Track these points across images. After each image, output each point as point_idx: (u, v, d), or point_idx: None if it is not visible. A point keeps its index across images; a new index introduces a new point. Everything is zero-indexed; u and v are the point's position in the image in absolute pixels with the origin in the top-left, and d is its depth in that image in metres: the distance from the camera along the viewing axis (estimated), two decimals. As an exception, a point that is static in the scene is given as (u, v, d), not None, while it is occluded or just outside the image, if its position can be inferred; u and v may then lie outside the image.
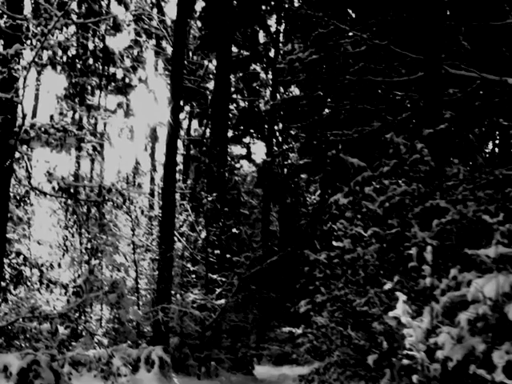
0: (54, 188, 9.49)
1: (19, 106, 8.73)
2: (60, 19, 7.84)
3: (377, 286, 7.93)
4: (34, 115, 29.14)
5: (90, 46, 31.34)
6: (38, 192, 9.64)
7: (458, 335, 5.22)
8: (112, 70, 32.91)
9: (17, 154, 9.95)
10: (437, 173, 8.49)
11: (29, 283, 11.56)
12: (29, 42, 8.72)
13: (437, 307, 5.47)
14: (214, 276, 17.57)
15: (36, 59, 8.19)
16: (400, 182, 8.87)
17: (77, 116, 31.02)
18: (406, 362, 5.80)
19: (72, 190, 9.59)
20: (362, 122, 15.91)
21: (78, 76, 29.75)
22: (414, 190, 8.31)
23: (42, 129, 9.26)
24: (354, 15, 18.00)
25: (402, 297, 5.75)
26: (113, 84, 33.20)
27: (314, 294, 10.67)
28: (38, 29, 8.06)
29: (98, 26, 22.44)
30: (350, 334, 8.09)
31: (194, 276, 18.94)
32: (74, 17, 27.55)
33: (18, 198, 10.22)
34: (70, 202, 9.84)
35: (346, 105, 15.37)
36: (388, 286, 6.30)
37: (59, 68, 28.12)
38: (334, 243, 8.92)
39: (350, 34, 14.22)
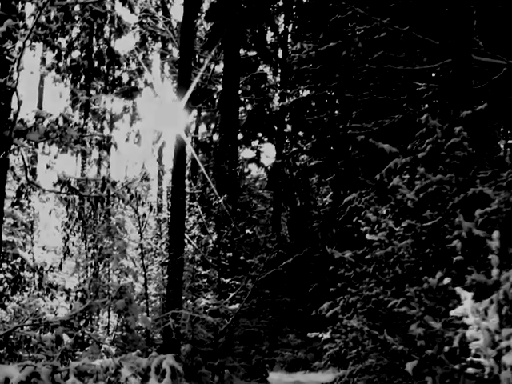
0: (53, 183, 8.81)
1: (14, 92, 8.02)
2: (56, -8, 7.15)
3: (416, 285, 7.13)
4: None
5: (95, 48, 30.74)
6: (35, 187, 8.89)
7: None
8: (117, 73, 32.28)
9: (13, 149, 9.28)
10: (477, 158, 7.72)
11: (28, 288, 10.83)
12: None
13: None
14: (227, 280, 16.93)
15: (30, 38, 7.50)
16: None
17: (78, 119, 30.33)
18: (471, 370, 4.98)
19: (74, 186, 8.87)
20: (380, 115, 15.20)
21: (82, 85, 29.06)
22: (452, 178, 7.52)
23: (40, 118, 8.56)
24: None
25: (464, 293, 4.93)
26: (118, 88, 32.54)
27: (336, 296, 9.94)
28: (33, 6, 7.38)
29: (101, 6, 21.49)
30: (387, 338, 7.28)
31: (205, 280, 18.29)
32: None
33: (15, 196, 9.48)
34: (71, 197, 9.05)
35: (365, 96, 14.59)
36: (446, 280, 5.49)
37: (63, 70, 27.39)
38: (368, 236, 8.12)
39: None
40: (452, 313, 5.02)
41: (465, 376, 6.39)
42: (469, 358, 4.95)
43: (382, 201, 9.28)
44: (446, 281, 5.46)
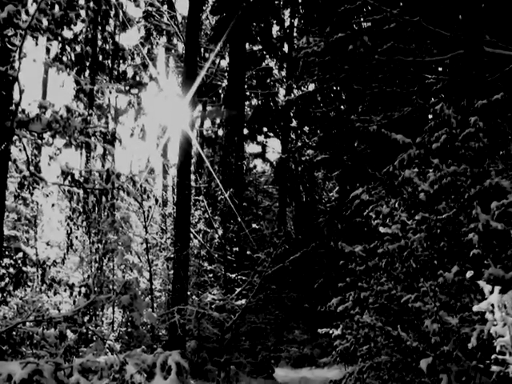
0: (57, 176, 8.61)
1: (16, 82, 7.79)
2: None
3: (430, 279, 6.91)
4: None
5: (99, 43, 30.52)
6: (38, 179, 8.67)
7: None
8: (122, 67, 32.10)
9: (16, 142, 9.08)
10: (491, 149, 7.49)
11: (31, 283, 10.62)
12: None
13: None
14: (233, 275, 16.76)
15: (33, 24, 7.27)
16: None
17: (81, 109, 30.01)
18: (495, 368, 4.75)
19: (77, 177, 8.65)
20: (388, 107, 14.97)
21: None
22: (466, 170, 7.30)
23: (42, 108, 8.33)
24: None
25: (488, 287, 4.68)
26: (123, 82, 32.35)
27: (345, 291, 9.72)
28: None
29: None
30: (400, 334, 7.06)
31: (211, 275, 18.13)
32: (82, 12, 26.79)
33: (17, 189, 9.27)
34: (75, 190, 8.81)
35: (374, 88, 14.34)
36: (469, 274, 5.25)
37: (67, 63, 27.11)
38: (381, 229, 7.88)
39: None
40: (475, 308, 4.78)
41: (481, 374, 6.19)
42: (493, 356, 4.73)
43: (391, 194, 9.08)
44: (469, 274, 5.22)
